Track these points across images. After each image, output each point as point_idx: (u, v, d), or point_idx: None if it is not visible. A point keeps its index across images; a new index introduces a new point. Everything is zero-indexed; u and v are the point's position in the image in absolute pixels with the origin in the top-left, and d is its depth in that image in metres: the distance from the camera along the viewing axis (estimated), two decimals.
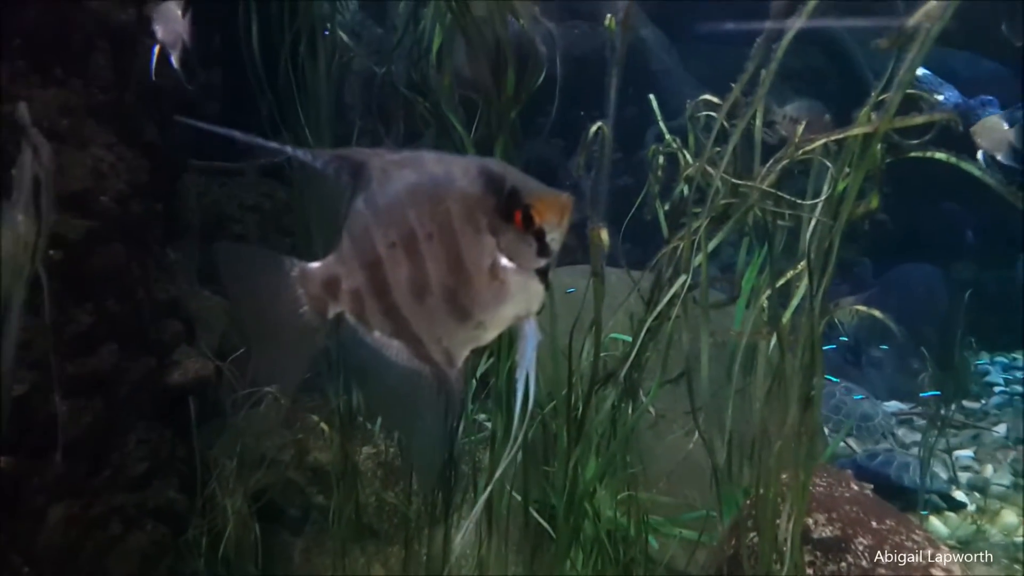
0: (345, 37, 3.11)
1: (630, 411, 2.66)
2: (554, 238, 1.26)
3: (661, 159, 2.80)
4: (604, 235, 1.95)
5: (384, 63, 3.75)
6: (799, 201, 2.12)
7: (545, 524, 2.60)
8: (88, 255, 2.88)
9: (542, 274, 1.28)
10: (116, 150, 3.02)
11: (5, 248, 1.99)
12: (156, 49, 3.03)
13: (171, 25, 3.02)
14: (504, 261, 1.25)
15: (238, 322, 1.37)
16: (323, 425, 3.20)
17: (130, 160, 3.06)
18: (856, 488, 2.71)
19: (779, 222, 2.23)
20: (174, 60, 3.05)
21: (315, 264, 1.27)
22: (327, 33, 3.21)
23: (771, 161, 2.09)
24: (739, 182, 2.13)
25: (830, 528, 2.47)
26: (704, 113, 2.72)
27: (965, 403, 6.39)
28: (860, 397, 6.02)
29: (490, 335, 1.30)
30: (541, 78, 2.26)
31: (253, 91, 3.33)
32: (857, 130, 1.89)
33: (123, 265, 3.00)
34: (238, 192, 4.94)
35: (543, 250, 1.26)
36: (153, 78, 3.07)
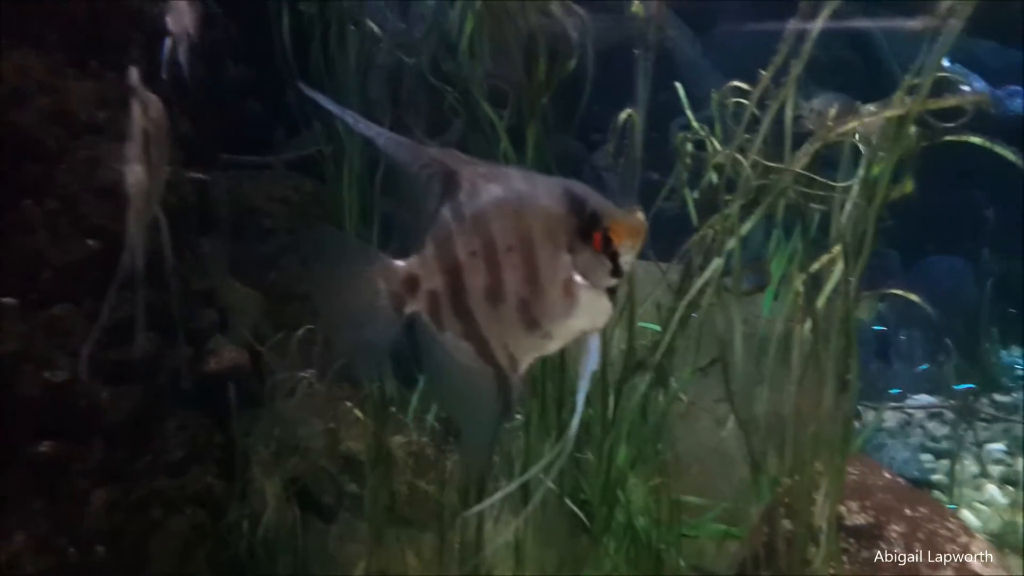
0: (376, 29, 3.14)
1: (660, 399, 2.68)
2: (627, 260, 1.33)
3: (689, 146, 2.80)
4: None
5: (410, 54, 3.78)
6: (833, 183, 2.13)
7: (578, 512, 2.63)
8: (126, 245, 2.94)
9: (611, 292, 1.35)
10: None
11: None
12: (168, 42, 3.09)
13: (179, 18, 3.08)
14: (578, 278, 1.32)
15: (316, 303, 1.43)
16: (357, 412, 3.23)
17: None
18: (889, 476, 2.71)
19: (812, 206, 2.23)
20: (180, 54, 3.11)
21: (399, 262, 1.34)
22: (353, 28, 3.24)
23: (805, 144, 2.09)
24: (772, 164, 2.14)
25: (863, 516, 2.48)
26: (733, 100, 2.73)
27: (996, 396, 6.33)
28: (896, 392, 6.01)
29: (555, 345, 1.37)
30: (573, 64, 2.28)
31: (283, 85, 3.37)
32: (891, 112, 1.90)
33: (161, 255, 3.05)
34: (267, 185, 5.00)
35: (616, 271, 1.33)
36: (165, 72, 3.13)
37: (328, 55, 3.06)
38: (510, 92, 2.50)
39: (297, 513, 3.14)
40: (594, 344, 1.36)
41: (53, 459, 2.76)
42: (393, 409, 3.40)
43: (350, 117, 1.36)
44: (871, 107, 2.09)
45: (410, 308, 1.35)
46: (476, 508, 2.51)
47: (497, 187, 1.31)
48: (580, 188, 1.33)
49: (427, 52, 3.17)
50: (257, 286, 4.27)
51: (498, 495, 2.22)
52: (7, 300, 2.71)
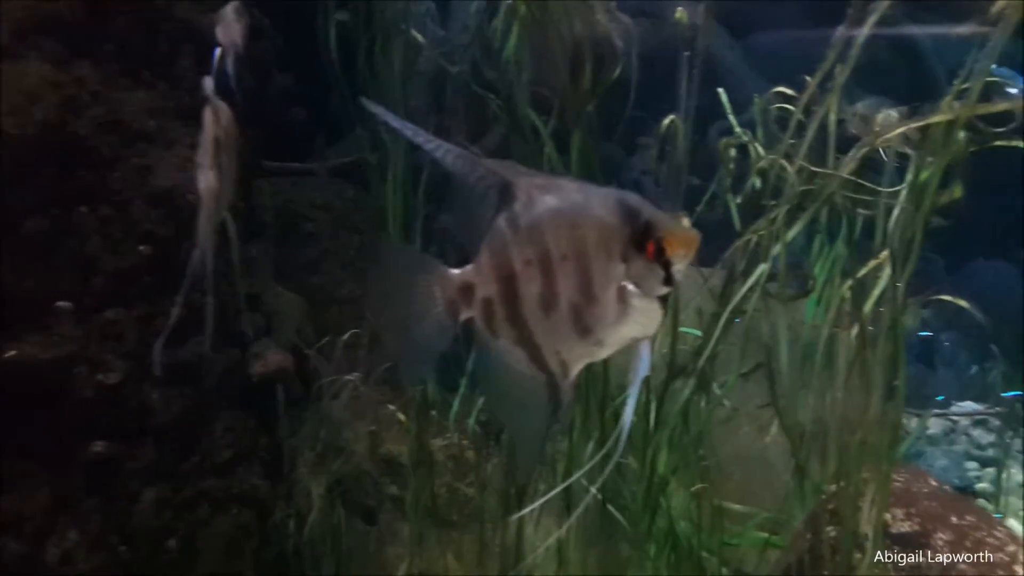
0: (420, 38, 3.18)
1: (702, 405, 2.68)
2: (679, 269, 1.34)
3: (732, 151, 2.80)
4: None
5: (452, 62, 3.82)
6: (879, 188, 2.12)
7: (619, 517, 2.63)
8: (176, 250, 3.01)
9: (662, 300, 1.36)
10: None
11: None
12: (218, 53, 3.16)
13: (228, 30, 3.14)
14: (631, 286, 1.34)
15: (374, 309, 1.48)
16: (400, 416, 3.27)
17: None
18: (934, 484, 2.68)
19: (859, 211, 2.22)
20: (229, 65, 3.17)
21: (455, 270, 1.37)
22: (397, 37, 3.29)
23: (852, 150, 2.08)
24: (818, 169, 2.13)
25: (908, 524, 2.46)
26: (776, 106, 2.72)
27: None
28: (941, 399, 5.91)
29: (605, 352, 1.39)
30: (617, 72, 2.29)
31: (324, 94, 3.42)
32: (939, 117, 1.88)
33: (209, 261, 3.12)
34: (309, 192, 5.07)
35: (668, 279, 1.34)
36: (213, 83, 3.19)
37: (373, 64, 3.10)
38: (553, 99, 2.52)
39: (342, 514, 3.18)
40: (645, 351, 1.38)
41: (106, 459, 2.83)
42: (434, 412, 3.44)
43: (410, 130, 1.39)
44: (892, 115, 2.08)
45: (465, 315, 1.39)
46: (520, 513, 2.53)
47: (552, 198, 1.34)
48: (634, 199, 1.35)
49: (469, 59, 3.20)
50: (300, 290, 4.34)
51: (542, 500, 2.23)
52: (63, 304, 2.78)
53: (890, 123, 2.31)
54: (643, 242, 1.32)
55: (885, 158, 2.34)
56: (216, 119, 2.39)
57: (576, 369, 1.39)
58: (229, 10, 3.11)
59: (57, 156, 2.76)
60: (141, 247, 2.92)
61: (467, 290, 1.37)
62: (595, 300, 1.33)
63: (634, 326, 1.36)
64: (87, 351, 2.80)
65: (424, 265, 1.39)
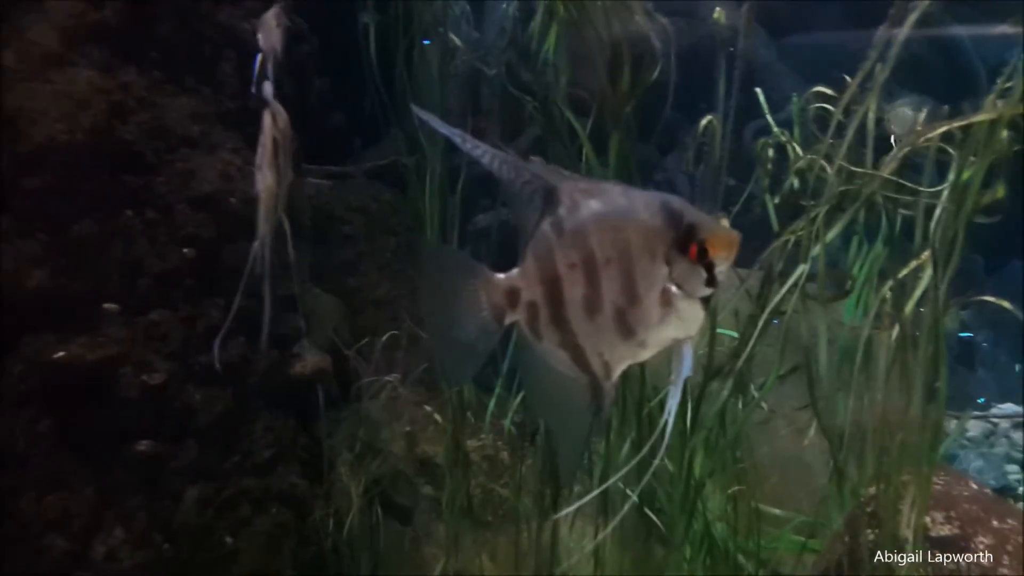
0: (458, 41, 3.21)
1: (740, 406, 2.67)
2: (721, 270, 1.36)
3: (770, 151, 2.79)
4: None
5: (487, 64, 3.84)
6: (919, 188, 2.10)
7: (655, 519, 2.63)
8: (218, 253, 3.07)
9: (704, 301, 1.38)
10: (242, 154, 3.19)
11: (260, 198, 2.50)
12: (259, 58, 3.21)
13: (269, 36, 3.19)
14: (674, 288, 1.35)
15: (422, 313, 1.52)
16: (436, 416, 3.30)
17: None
18: (976, 487, 2.64)
19: (900, 211, 2.20)
20: (269, 70, 3.22)
21: (501, 275, 1.40)
22: (427, 42, 3.32)
23: (893, 150, 2.07)
24: (858, 170, 2.12)
25: (948, 527, 2.43)
26: (815, 106, 2.71)
27: None
28: (982, 401, 5.82)
29: (648, 353, 1.40)
30: (656, 74, 2.30)
31: (361, 97, 3.46)
32: (982, 116, 1.87)
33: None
34: (346, 194, 5.13)
35: (711, 280, 1.35)
36: (254, 86, 3.26)
37: (411, 66, 3.13)
38: (591, 101, 2.53)
39: (379, 514, 3.21)
40: (687, 351, 1.39)
41: (150, 458, 2.89)
42: (469, 413, 3.46)
43: (457, 136, 1.41)
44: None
45: (510, 319, 1.40)
46: (557, 515, 2.54)
47: (596, 202, 1.35)
48: (676, 201, 1.37)
49: (505, 62, 3.21)
50: (337, 292, 4.39)
51: (579, 503, 2.24)
52: (109, 306, 2.84)
53: (903, 118, 2.29)
54: (686, 244, 1.33)
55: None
56: (274, 122, 2.48)
57: (619, 370, 1.40)
58: (270, 16, 3.16)
59: (104, 161, 2.82)
60: (185, 250, 2.98)
61: (513, 294, 1.39)
62: (639, 302, 1.35)
63: (677, 327, 1.37)
64: (132, 352, 2.85)
65: (470, 269, 1.41)
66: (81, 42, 2.83)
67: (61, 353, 2.72)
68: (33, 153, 2.68)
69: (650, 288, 1.34)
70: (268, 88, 2.53)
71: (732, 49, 2.21)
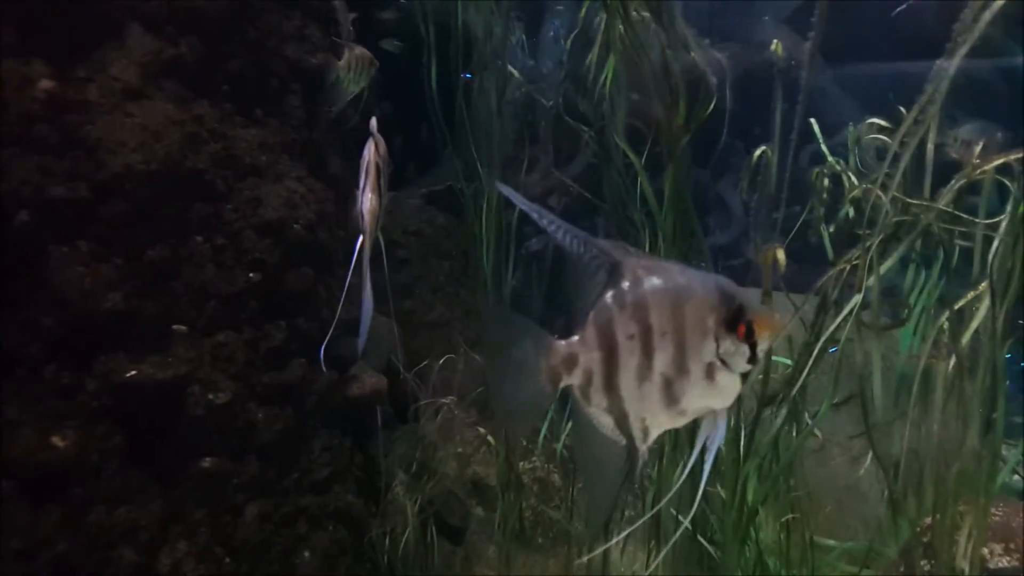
0: (515, 72, 3.29)
1: (794, 434, 2.67)
2: (763, 349, 1.47)
3: (826, 181, 2.80)
4: (781, 255, 2.01)
5: (542, 94, 3.91)
6: (978, 220, 2.10)
7: (708, 546, 2.63)
8: (282, 277, 3.18)
9: (743, 376, 1.49)
10: (306, 182, 3.31)
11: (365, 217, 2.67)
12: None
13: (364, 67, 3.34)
14: (719, 363, 1.46)
15: (487, 370, 1.64)
16: (489, 438, 3.35)
17: (318, 191, 3.35)
18: None
19: (956, 242, 2.20)
20: (336, 100, 3.36)
21: (562, 341, 1.49)
22: (469, 76, 3.41)
23: (953, 180, 2.08)
24: (913, 201, 2.13)
25: (1007, 559, 2.39)
26: (871, 136, 2.71)
27: None
28: None
29: (684, 421, 1.51)
30: (711, 107, 2.34)
31: (419, 122, 3.55)
32: None
33: (311, 287, 3.27)
34: (402, 218, 5.24)
35: (752, 358, 1.47)
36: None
37: (469, 95, 3.22)
38: (646, 132, 2.58)
39: (433, 533, 3.27)
40: (722, 422, 1.49)
41: (214, 474, 2.98)
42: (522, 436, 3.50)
43: (535, 211, 1.51)
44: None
45: (565, 383, 1.50)
46: (607, 544, 2.57)
47: (657, 278, 1.46)
48: (728, 283, 1.47)
49: (562, 93, 3.28)
50: (391, 315, 4.48)
51: (630, 528, 2.27)
52: (179, 327, 2.96)
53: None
54: (735, 323, 1.44)
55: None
56: (376, 149, 2.66)
57: (655, 435, 1.50)
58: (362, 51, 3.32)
59: (177, 189, 2.94)
60: (251, 274, 3.08)
61: (571, 360, 1.48)
62: (686, 374, 1.45)
63: (717, 398, 1.48)
64: (199, 372, 2.95)
65: (533, 334, 1.51)
66: (158, 77, 2.98)
67: (133, 372, 2.83)
68: (111, 182, 2.81)
69: (698, 361, 1.45)
70: (374, 122, 2.71)
71: (789, 77, 2.24)
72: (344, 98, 3.34)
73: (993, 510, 2.59)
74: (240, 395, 3.04)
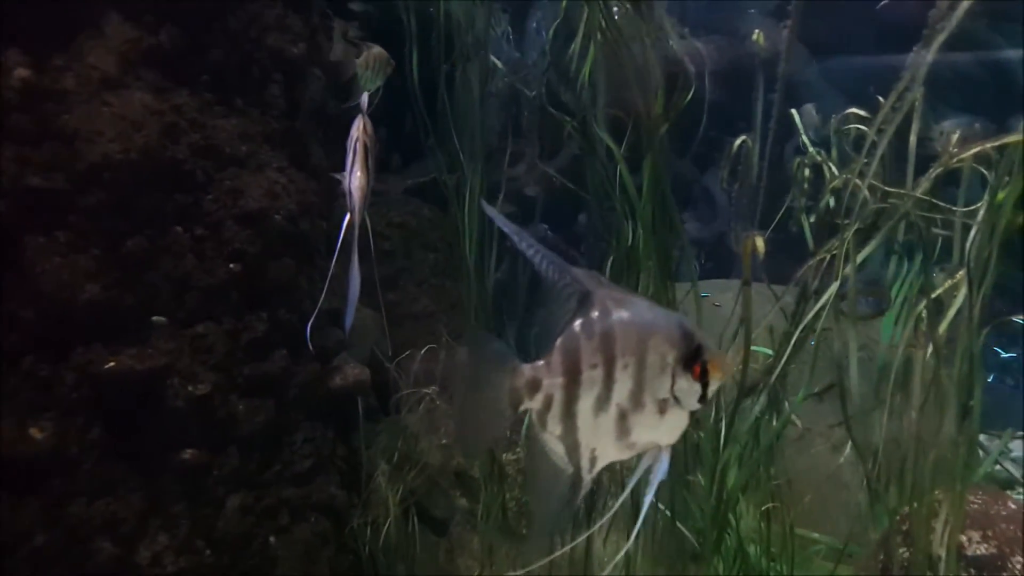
0: (498, 63, 3.28)
1: (774, 423, 2.68)
2: (712, 389, 1.51)
3: (807, 172, 2.81)
4: (760, 244, 2.02)
5: (527, 84, 3.90)
6: (954, 208, 2.11)
7: (687, 533, 2.64)
8: (263, 268, 3.16)
9: (691, 413, 1.53)
10: (288, 173, 3.29)
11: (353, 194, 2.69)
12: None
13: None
14: (672, 399, 1.50)
15: (451, 388, 1.69)
16: None
17: (299, 182, 3.32)
18: (1014, 507, 2.61)
19: (934, 230, 2.21)
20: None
21: (527, 365, 1.50)
22: (458, 67, 3.40)
23: (931, 169, 2.08)
24: (890, 189, 2.14)
25: (985, 546, 2.41)
26: (851, 127, 2.72)
27: None
28: None
29: (630, 454, 1.54)
30: (689, 97, 2.34)
31: (403, 114, 3.54)
32: (1014, 138, 1.87)
33: (293, 278, 3.26)
34: (386, 211, 5.23)
35: (703, 397, 1.51)
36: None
37: (452, 86, 3.21)
38: (627, 121, 2.58)
39: (416, 524, 3.26)
40: (666, 456, 1.53)
41: (194, 466, 2.97)
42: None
43: (514, 233, 1.53)
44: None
45: (525, 406, 1.51)
46: (587, 532, 2.58)
47: (626, 312, 1.49)
48: (690, 323, 1.52)
49: (545, 83, 3.28)
50: (376, 306, 4.47)
51: (609, 513, 2.27)
52: (158, 319, 2.94)
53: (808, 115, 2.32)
54: (692, 363, 1.48)
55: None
56: (364, 128, 2.68)
57: (600, 467, 1.52)
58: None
59: (156, 179, 2.92)
60: (231, 265, 3.06)
61: (534, 384, 1.49)
62: (641, 407, 1.48)
63: (666, 434, 1.52)
64: (179, 363, 2.94)
65: (501, 355, 1.52)
66: (137, 66, 2.95)
67: (111, 364, 2.82)
68: (89, 172, 2.79)
69: (653, 396, 1.48)
70: (364, 98, 2.74)
71: (771, 68, 2.24)
72: (362, 94, 3.35)
73: (972, 498, 2.61)
74: (220, 387, 3.02)
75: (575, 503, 1.54)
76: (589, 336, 1.47)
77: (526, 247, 1.52)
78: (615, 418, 1.48)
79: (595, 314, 1.48)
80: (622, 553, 2.32)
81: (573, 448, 1.50)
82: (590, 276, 1.52)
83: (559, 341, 1.49)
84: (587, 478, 1.51)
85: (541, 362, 1.49)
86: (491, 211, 1.63)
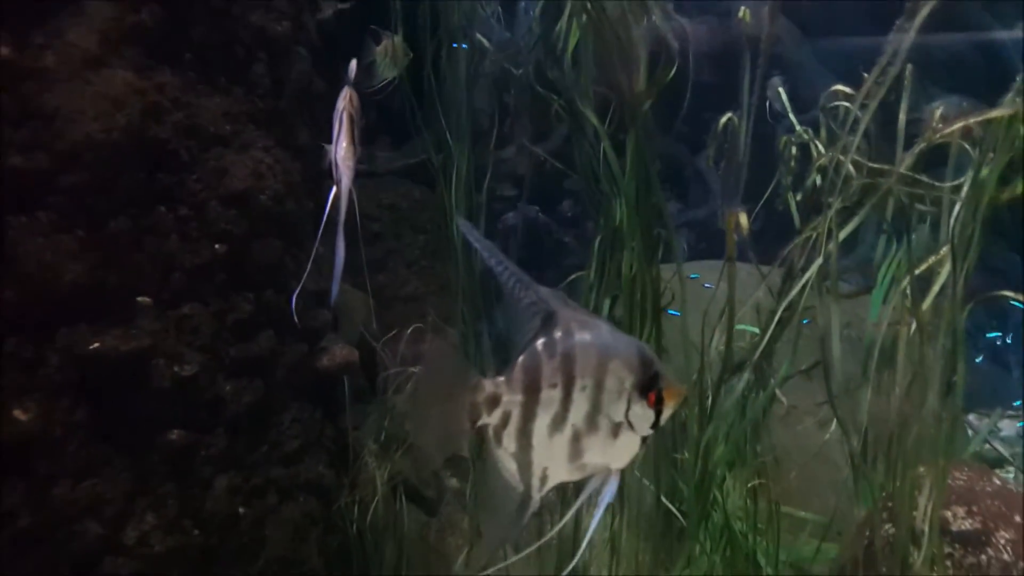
0: (486, 42, 3.26)
1: (759, 400, 2.68)
2: (665, 417, 1.52)
3: (794, 150, 2.80)
4: (744, 219, 2.02)
5: (516, 64, 3.89)
6: (939, 184, 2.10)
7: (674, 509, 2.65)
8: (249, 249, 3.14)
9: (643, 439, 1.55)
10: (273, 153, 3.26)
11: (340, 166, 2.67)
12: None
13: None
14: (626, 423, 1.52)
15: (413, 399, 1.70)
16: None
17: (285, 162, 3.30)
18: (998, 483, 2.63)
19: (919, 207, 2.20)
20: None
21: (487, 380, 1.52)
22: (456, 45, 3.37)
23: (915, 144, 2.08)
24: (874, 165, 2.13)
25: (970, 521, 2.43)
26: (836, 104, 2.71)
27: None
28: (1018, 404, 5.75)
29: (581, 475, 1.56)
30: (672, 72, 2.33)
31: (391, 95, 3.52)
32: (998, 112, 1.87)
33: (279, 259, 3.24)
34: (376, 192, 5.21)
35: (655, 424, 1.53)
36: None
37: (438, 67, 3.19)
38: (612, 99, 2.56)
39: (403, 502, 3.27)
40: (614, 481, 1.55)
41: (181, 447, 2.96)
42: None
43: (486, 250, 1.55)
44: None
45: (483, 422, 1.51)
46: (574, 507, 2.58)
47: (588, 334, 1.50)
48: (648, 350, 1.55)
49: (533, 61, 3.26)
50: (365, 288, 4.47)
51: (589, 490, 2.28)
52: (143, 299, 2.92)
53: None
54: (647, 389, 1.50)
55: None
56: (350, 99, 2.64)
57: (549, 487, 1.53)
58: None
59: (139, 159, 2.89)
60: (216, 245, 3.04)
61: (493, 400, 1.50)
62: (595, 430, 1.50)
63: (617, 458, 1.54)
64: (164, 344, 2.92)
65: (462, 370, 1.53)
66: (118, 44, 2.91)
67: (96, 344, 2.80)
68: (71, 151, 2.76)
69: (609, 419, 1.50)
70: (353, 65, 2.71)
71: (751, 51, 2.23)
72: (378, 80, 3.34)
73: (957, 475, 2.62)
74: (207, 368, 3.01)
75: (523, 521, 1.56)
76: (551, 356, 1.49)
77: (495, 263, 1.54)
78: (569, 439, 1.50)
79: (558, 334, 1.50)
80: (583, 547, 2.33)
81: (525, 466, 1.51)
82: (555, 296, 1.54)
83: (521, 359, 1.51)
84: (536, 497, 1.53)
85: (502, 378, 1.51)
86: (465, 225, 1.68)
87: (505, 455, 1.51)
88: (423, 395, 1.60)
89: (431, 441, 1.60)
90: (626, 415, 1.50)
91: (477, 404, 1.50)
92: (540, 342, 1.50)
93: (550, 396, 1.48)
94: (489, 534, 1.62)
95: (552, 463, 1.51)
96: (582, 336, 1.50)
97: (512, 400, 1.49)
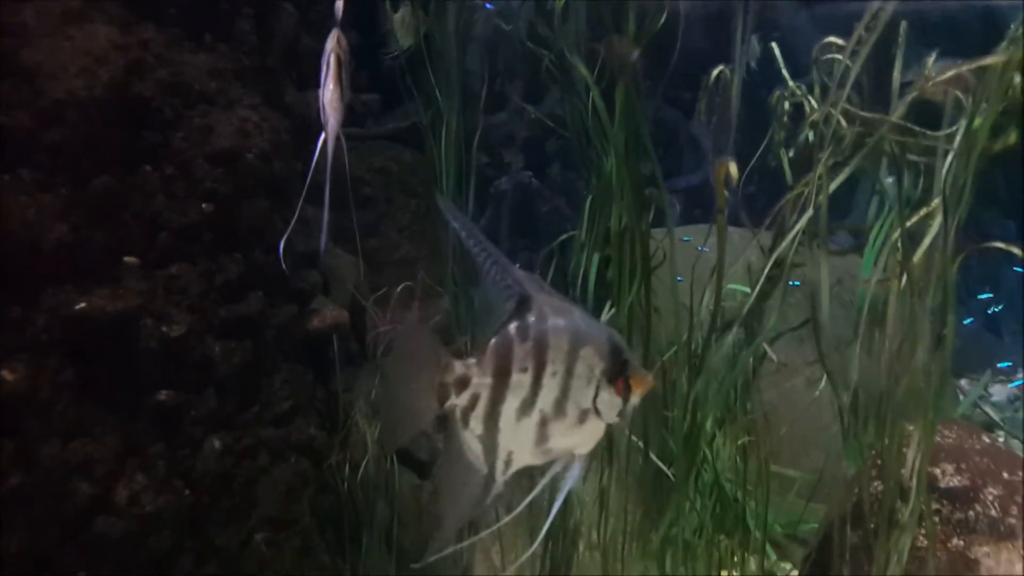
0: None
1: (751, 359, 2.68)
2: (633, 404, 1.55)
3: (787, 105, 2.77)
4: (733, 169, 2.00)
5: (507, 22, 3.83)
6: (930, 133, 2.08)
7: (663, 466, 2.66)
8: (236, 209, 3.11)
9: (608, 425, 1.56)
10: (260, 111, 3.22)
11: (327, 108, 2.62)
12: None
13: None
14: (593, 410, 1.53)
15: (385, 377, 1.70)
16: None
17: (272, 120, 3.25)
18: (987, 440, 2.64)
19: (912, 158, 2.18)
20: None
21: (459, 361, 1.52)
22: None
23: (906, 93, 2.05)
24: (865, 115, 2.10)
25: (958, 478, 2.44)
26: (828, 56, 2.68)
27: None
28: (1006, 365, 5.77)
29: (546, 460, 1.56)
30: (662, 20, 2.29)
31: (380, 57, 3.48)
32: (990, 60, 1.84)
33: (267, 219, 3.21)
34: (367, 155, 5.16)
35: (621, 412, 1.54)
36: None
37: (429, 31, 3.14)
38: (603, 53, 2.53)
39: (395, 463, 3.28)
40: (579, 465, 1.56)
41: (171, 408, 2.95)
42: None
43: (464, 231, 1.53)
44: None
45: (451, 403, 1.51)
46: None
47: (561, 320, 1.51)
48: (619, 338, 1.55)
49: (525, 19, 3.22)
50: (356, 252, 4.44)
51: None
52: (129, 259, 2.90)
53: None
54: (615, 377, 1.51)
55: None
56: (338, 41, 2.59)
57: (513, 471, 1.54)
58: None
59: (123, 117, 2.85)
60: (203, 205, 3.01)
61: (463, 382, 1.50)
62: (562, 415, 1.51)
63: (581, 442, 1.54)
64: (152, 304, 2.90)
65: (434, 349, 1.52)
66: None
67: (83, 305, 2.78)
68: (53, 108, 2.72)
69: (577, 406, 1.51)
70: (339, 6, 2.65)
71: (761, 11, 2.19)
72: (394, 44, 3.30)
73: (947, 432, 2.63)
74: (196, 328, 2.99)
75: (484, 504, 1.56)
76: (523, 340, 1.49)
77: (472, 244, 1.53)
78: (536, 423, 1.50)
79: (531, 319, 1.49)
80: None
81: (491, 449, 1.51)
82: (531, 280, 1.54)
83: (493, 342, 1.50)
84: (500, 480, 1.53)
85: (473, 360, 1.51)
86: (445, 203, 1.65)
87: (471, 437, 1.51)
88: (393, 372, 1.59)
89: (397, 418, 1.60)
90: (594, 402, 1.51)
91: (446, 385, 1.50)
92: (513, 325, 1.50)
93: (520, 380, 1.48)
94: (450, 515, 1.61)
95: (518, 447, 1.52)
96: (555, 321, 1.50)
97: (482, 383, 1.49)
